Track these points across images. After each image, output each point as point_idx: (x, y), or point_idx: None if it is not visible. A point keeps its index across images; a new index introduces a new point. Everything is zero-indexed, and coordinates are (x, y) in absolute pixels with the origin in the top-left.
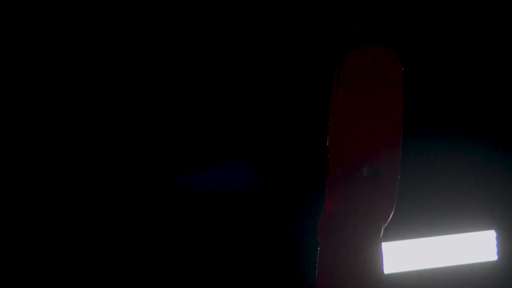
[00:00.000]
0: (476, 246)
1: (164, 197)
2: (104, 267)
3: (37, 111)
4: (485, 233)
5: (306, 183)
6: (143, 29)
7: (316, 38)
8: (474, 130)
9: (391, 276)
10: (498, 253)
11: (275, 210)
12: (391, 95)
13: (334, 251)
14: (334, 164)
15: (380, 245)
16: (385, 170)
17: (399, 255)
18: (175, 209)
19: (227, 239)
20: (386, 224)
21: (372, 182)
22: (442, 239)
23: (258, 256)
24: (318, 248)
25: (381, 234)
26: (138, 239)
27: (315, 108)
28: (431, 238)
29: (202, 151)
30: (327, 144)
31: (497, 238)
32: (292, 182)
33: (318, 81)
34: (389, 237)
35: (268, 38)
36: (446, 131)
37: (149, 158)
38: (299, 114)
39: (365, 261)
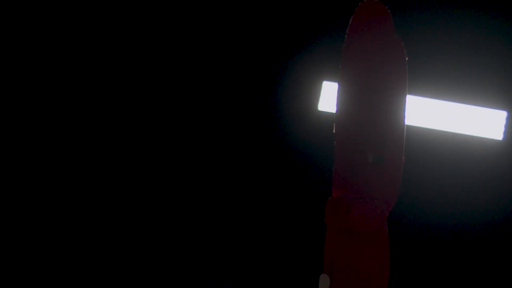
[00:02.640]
0: (485, 122)
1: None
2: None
3: (37, 111)
4: (497, 112)
5: (312, 170)
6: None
7: (321, 29)
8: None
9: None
10: (505, 133)
11: (280, 196)
12: (395, 83)
13: (340, 233)
14: (340, 151)
15: (385, 227)
16: (390, 156)
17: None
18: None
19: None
20: (390, 208)
21: (377, 168)
22: (453, 105)
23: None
24: (326, 232)
25: (386, 218)
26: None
27: (323, 97)
28: (443, 101)
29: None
30: (333, 131)
31: (508, 119)
32: (299, 168)
33: (325, 71)
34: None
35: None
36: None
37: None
38: (308, 102)
39: (370, 243)
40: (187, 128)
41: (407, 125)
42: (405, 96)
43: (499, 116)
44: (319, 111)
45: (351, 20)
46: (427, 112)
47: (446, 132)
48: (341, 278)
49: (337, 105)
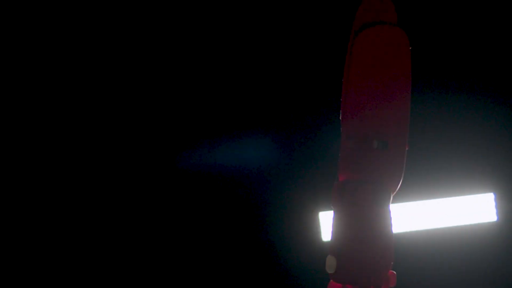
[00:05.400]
0: (476, 208)
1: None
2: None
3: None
4: (484, 196)
5: (320, 155)
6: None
7: (329, 21)
8: (471, 89)
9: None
10: (498, 214)
11: (286, 183)
12: (399, 73)
13: (346, 216)
14: (346, 137)
15: (390, 211)
16: (394, 143)
17: (399, 216)
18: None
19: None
20: (395, 193)
21: (382, 154)
22: (442, 202)
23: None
24: (332, 215)
25: (390, 201)
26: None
27: (329, 85)
28: (431, 201)
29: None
30: (340, 118)
31: (496, 200)
32: (306, 155)
33: (332, 60)
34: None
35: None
36: (442, 89)
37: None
38: (315, 91)
39: (375, 225)
40: None
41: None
42: (409, 86)
43: (487, 199)
44: (323, 241)
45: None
46: (419, 215)
47: (443, 228)
48: (347, 260)
49: (344, 95)
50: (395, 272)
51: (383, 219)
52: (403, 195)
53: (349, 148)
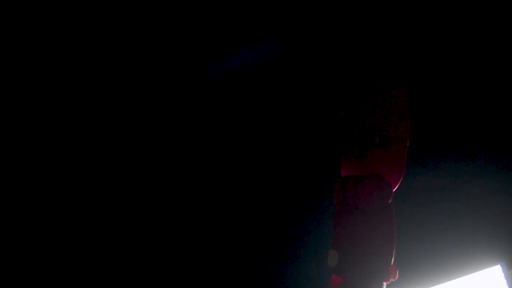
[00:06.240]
0: (486, 283)
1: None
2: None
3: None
4: (492, 269)
5: (322, 152)
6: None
7: (330, 22)
8: (470, 160)
9: None
10: (508, 283)
11: (292, 178)
12: (400, 70)
13: (348, 211)
14: (348, 132)
15: (391, 206)
16: (395, 138)
17: None
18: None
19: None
20: (396, 188)
21: (383, 149)
22: (452, 284)
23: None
24: (334, 210)
25: (392, 197)
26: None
27: (331, 83)
28: (440, 286)
29: None
30: (342, 114)
31: (504, 271)
32: (309, 152)
33: (332, 58)
34: None
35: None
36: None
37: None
38: (317, 88)
39: (376, 220)
40: None
41: None
42: (410, 80)
43: (495, 271)
44: None
45: None
46: None
47: None
48: (348, 254)
49: (346, 89)
50: (396, 267)
51: (384, 214)
52: (411, 285)
53: (351, 143)
